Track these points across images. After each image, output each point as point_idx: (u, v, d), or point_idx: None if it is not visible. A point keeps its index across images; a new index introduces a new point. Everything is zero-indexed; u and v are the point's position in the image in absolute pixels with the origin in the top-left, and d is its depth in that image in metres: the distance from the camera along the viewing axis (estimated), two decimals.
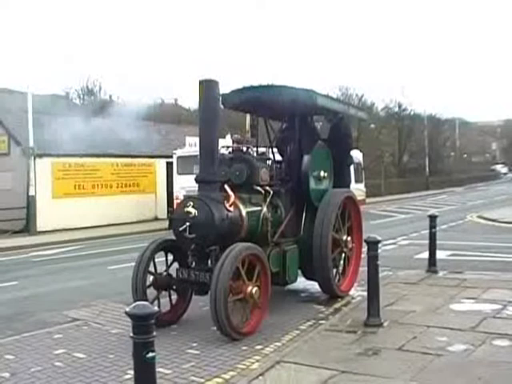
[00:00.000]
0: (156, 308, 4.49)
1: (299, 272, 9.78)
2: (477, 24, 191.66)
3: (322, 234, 9.31)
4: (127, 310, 4.35)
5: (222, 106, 9.71)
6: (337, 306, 9.49)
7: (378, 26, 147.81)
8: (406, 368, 6.20)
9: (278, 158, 10.53)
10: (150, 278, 8.37)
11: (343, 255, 10.28)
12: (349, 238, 10.20)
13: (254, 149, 9.86)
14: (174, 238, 8.32)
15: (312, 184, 9.71)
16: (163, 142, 32.71)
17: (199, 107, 8.45)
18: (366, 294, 8.50)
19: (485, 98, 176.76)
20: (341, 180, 10.64)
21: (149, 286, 8.31)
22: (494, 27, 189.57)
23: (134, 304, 4.47)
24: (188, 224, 7.82)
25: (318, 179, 9.88)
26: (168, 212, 27.96)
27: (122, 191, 28.70)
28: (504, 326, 7.64)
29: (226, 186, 8.44)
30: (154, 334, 4.31)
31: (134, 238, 21.79)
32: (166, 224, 22.67)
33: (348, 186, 10.92)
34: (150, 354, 4.24)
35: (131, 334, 4.31)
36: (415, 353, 6.69)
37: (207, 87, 8.20)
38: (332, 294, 9.87)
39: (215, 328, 7.59)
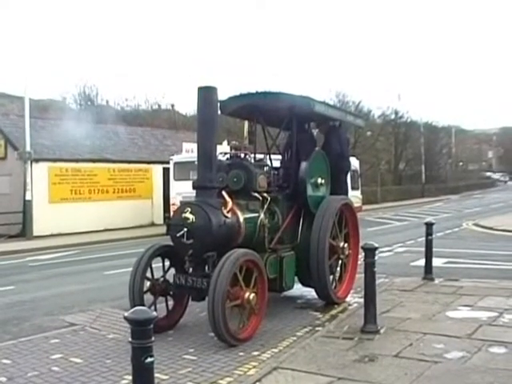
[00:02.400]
0: (154, 313, 4.49)
1: (296, 278, 9.78)
2: (474, 32, 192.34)
3: (319, 241, 9.32)
4: (126, 315, 4.36)
5: (219, 113, 9.73)
6: (333, 312, 9.49)
7: (376, 33, 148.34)
8: (403, 375, 6.22)
9: (276, 164, 10.54)
10: (147, 284, 8.37)
11: (340, 262, 10.29)
12: (345, 245, 10.21)
13: (252, 155, 9.88)
14: (170, 243, 8.33)
15: (309, 191, 9.72)
16: (160, 148, 32.77)
17: (198, 113, 8.47)
18: (362, 300, 8.53)
19: (481, 106, 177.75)
20: (338, 187, 10.65)
21: (146, 292, 8.30)
22: (491, 36, 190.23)
23: (132, 309, 4.48)
24: (185, 230, 7.82)
25: (316, 186, 9.88)
26: (164, 217, 28.22)
27: (119, 196, 28.71)
28: (500, 334, 7.66)
29: (224, 192, 8.45)
30: (153, 338, 4.32)
31: (130, 244, 21.81)
32: (162, 229, 22.75)
33: (345, 193, 10.94)
34: (149, 359, 4.25)
35: (130, 339, 4.32)
36: (412, 360, 6.70)
37: (206, 93, 8.21)
38: (329, 301, 9.87)
39: (212, 334, 7.60)
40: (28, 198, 24.33)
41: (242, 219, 8.47)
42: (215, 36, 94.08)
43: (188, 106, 70.27)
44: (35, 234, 24.41)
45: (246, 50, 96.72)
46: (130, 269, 8.36)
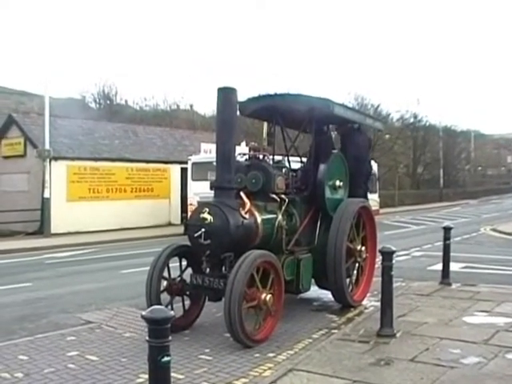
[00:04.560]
0: (172, 312, 4.50)
1: (312, 281, 9.78)
2: (494, 37, 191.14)
3: (336, 244, 9.30)
4: (144, 313, 4.37)
5: (239, 114, 9.73)
6: (349, 315, 9.48)
7: (396, 36, 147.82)
8: (419, 379, 6.19)
9: (294, 166, 10.52)
10: (164, 283, 8.40)
11: (357, 265, 10.27)
12: (363, 248, 10.19)
13: (271, 157, 9.87)
14: (188, 243, 8.35)
15: (327, 193, 9.70)
16: (178, 148, 32.86)
17: (217, 114, 8.48)
18: (378, 304, 8.50)
19: (501, 110, 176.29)
20: (355, 190, 10.60)
21: (162, 291, 8.34)
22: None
23: (150, 308, 4.49)
24: (203, 230, 7.84)
25: (334, 188, 9.86)
26: (181, 217, 28.25)
27: (137, 196, 28.80)
28: None
29: (242, 194, 8.45)
30: (170, 338, 4.33)
31: (147, 243, 21.87)
32: (179, 229, 22.83)
33: (363, 196, 10.86)
34: (166, 358, 4.27)
35: (147, 338, 4.33)
36: (428, 364, 6.68)
37: (225, 94, 8.23)
38: (345, 304, 9.86)
39: (228, 334, 7.62)
40: (46, 195, 24.47)
41: (259, 220, 8.48)
42: (228, 41, 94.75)
43: (207, 106, 70.55)
44: (53, 231, 24.55)
45: (261, 54, 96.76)
46: (147, 268, 8.41)
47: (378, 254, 8.82)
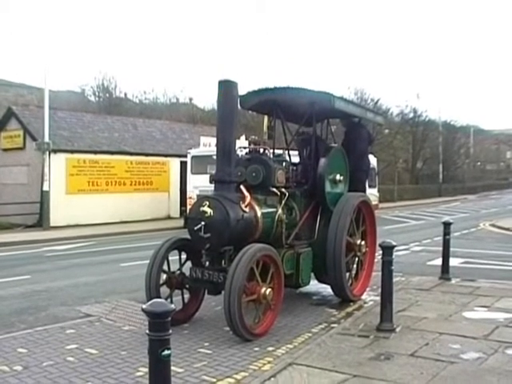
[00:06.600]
0: (172, 306, 4.48)
1: (312, 275, 9.77)
2: (494, 32, 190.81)
3: (336, 238, 9.28)
4: (144, 307, 4.35)
5: (239, 107, 9.70)
6: (349, 309, 9.47)
7: (395, 30, 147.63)
8: (419, 374, 6.19)
9: (294, 160, 10.50)
10: (164, 277, 8.39)
11: (356, 259, 10.26)
12: (363, 243, 10.17)
13: (271, 150, 9.85)
14: (187, 236, 8.33)
15: (328, 187, 9.68)
16: (178, 142, 32.83)
17: (217, 107, 8.46)
18: (378, 298, 8.50)
19: (500, 106, 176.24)
20: (355, 185, 10.58)
21: (162, 285, 8.32)
22: None
23: (150, 301, 4.47)
24: (203, 223, 7.82)
25: (334, 182, 9.84)
26: (181, 211, 28.25)
27: (136, 189, 28.78)
28: None
29: (242, 187, 8.42)
30: (170, 331, 4.32)
31: (146, 236, 21.90)
32: (178, 223, 22.84)
33: (362, 191, 10.82)
34: (166, 352, 4.25)
35: (147, 331, 4.32)
36: (428, 359, 6.67)
37: (226, 88, 8.20)
38: (344, 298, 9.85)
39: (227, 328, 7.61)
40: (45, 188, 24.42)
41: (259, 214, 8.46)
42: (232, 37, 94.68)
43: (206, 99, 70.59)
44: (52, 224, 24.54)
45: (261, 47, 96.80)
46: (146, 261, 8.39)
47: (378, 248, 8.80)
